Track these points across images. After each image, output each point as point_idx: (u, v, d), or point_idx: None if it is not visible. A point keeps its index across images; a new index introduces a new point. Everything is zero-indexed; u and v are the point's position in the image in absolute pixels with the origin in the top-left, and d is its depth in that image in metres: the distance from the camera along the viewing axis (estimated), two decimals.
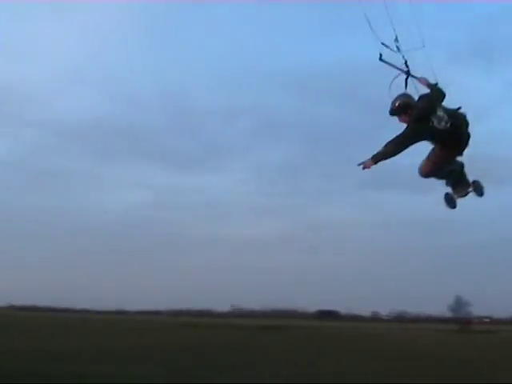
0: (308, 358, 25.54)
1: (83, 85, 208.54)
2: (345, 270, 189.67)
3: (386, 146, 6.94)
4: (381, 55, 7.37)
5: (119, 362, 20.36)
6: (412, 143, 7.03)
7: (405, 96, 7.16)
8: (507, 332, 68.06)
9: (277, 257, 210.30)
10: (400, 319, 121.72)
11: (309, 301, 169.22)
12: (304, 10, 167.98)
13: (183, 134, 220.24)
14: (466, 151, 7.38)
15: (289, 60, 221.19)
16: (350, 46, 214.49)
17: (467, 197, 7.80)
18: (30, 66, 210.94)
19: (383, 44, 7.29)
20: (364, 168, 6.99)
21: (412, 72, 7.38)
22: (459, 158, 7.55)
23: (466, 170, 7.72)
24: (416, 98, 7.20)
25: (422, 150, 7.44)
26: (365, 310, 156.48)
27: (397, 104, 7.10)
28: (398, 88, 7.29)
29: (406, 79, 7.35)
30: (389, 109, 7.19)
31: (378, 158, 6.93)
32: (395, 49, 7.30)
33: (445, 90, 7.21)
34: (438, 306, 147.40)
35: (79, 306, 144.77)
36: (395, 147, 6.94)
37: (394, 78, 7.28)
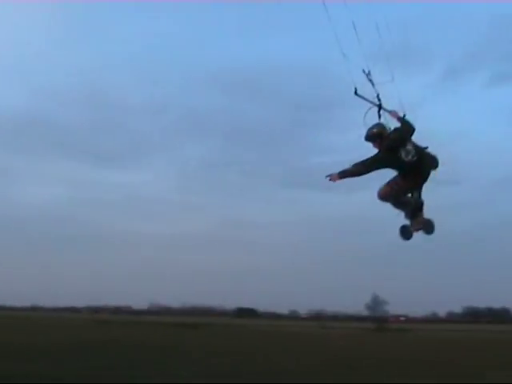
0: (225, 355, 25.48)
1: (1, 77, 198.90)
2: (264, 268, 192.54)
3: (354, 165, 7.61)
4: (356, 89, 7.93)
5: (28, 360, 19.47)
6: (378, 168, 7.71)
7: (380, 126, 7.83)
8: (422, 331, 71.16)
9: (197, 254, 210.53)
10: (318, 318, 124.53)
11: (227, 299, 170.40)
12: (230, 8, 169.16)
13: (105, 130, 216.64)
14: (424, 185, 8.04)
15: (213, 57, 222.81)
16: (273, 46, 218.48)
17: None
18: None
19: (364, 72, 7.87)
20: (330, 180, 7.57)
21: (383, 105, 8.00)
22: (420, 196, 8.12)
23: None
24: (391, 128, 7.88)
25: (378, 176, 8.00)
26: (283, 309, 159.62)
27: (372, 132, 7.76)
28: (372, 118, 8.00)
29: (379, 111, 7.98)
30: (364, 134, 7.84)
31: (344, 175, 7.61)
32: (369, 82, 7.95)
33: (414, 124, 7.84)
34: (356, 305, 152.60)
35: None
36: (363, 169, 7.63)
37: (368, 110, 7.92)
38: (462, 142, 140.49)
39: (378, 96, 7.99)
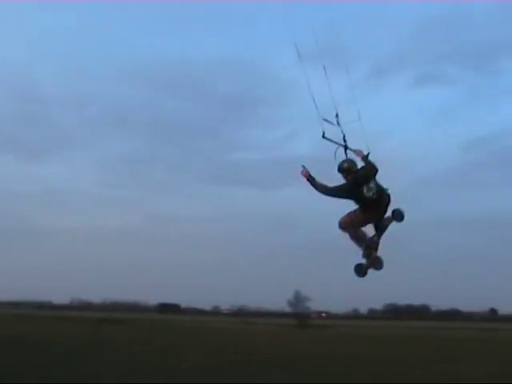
0: (149, 350, 25.59)
1: None
2: (186, 264, 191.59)
3: (322, 185, 8.56)
4: (324, 133, 8.75)
5: None
6: (341, 197, 8.66)
7: (350, 161, 8.70)
8: (344, 327, 73.70)
9: (118, 249, 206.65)
10: (240, 313, 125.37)
11: (150, 294, 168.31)
12: (156, 3, 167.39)
13: (27, 122, 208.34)
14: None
15: (138, 52, 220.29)
16: (197, 42, 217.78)
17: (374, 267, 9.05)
18: None
19: (325, 120, 8.67)
20: (302, 171, 8.62)
21: (349, 145, 8.82)
22: (379, 238, 8.98)
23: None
24: (359, 164, 8.73)
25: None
26: (206, 304, 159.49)
27: (343, 166, 8.65)
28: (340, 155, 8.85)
29: (345, 151, 8.82)
30: (337, 167, 8.70)
31: (312, 181, 8.55)
32: (335, 123, 8.71)
33: (377, 165, 8.69)
34: (278, 302, 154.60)
35: None
36: (326, 191, 8.56)
37: (336, 150, 8.78)
38: (386, 141, 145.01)
39: (344, 137, 8.83)
